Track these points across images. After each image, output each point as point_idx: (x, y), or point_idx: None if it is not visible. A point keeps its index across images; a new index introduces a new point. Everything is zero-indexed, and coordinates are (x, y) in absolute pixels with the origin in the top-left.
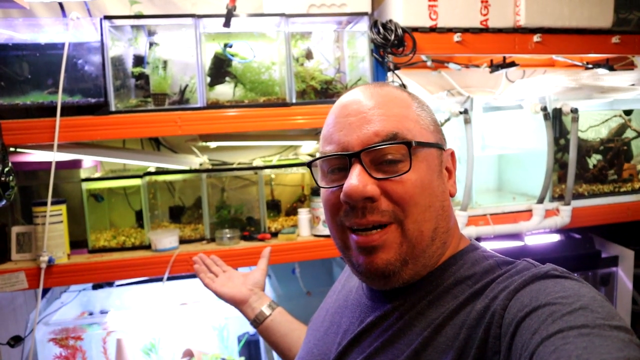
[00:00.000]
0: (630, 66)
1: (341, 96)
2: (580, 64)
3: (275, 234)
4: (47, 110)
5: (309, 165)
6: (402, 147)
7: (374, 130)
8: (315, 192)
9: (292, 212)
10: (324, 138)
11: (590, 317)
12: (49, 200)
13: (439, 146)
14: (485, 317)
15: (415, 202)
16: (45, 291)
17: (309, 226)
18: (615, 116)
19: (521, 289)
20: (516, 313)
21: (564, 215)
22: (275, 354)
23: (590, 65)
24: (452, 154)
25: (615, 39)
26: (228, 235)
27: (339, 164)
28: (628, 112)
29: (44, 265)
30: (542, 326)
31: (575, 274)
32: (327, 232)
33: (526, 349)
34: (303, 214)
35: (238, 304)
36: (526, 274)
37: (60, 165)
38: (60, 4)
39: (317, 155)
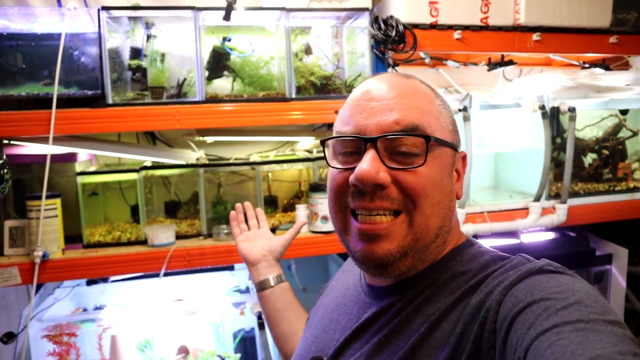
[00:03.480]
0: (626, 66)
1: (365, 81)
2: (576, 63)
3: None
4: (42, 102)
5: (322, 142)
6: (420, 140)
7: (394, 119)
8: (314, 188)
9: (289, 208)
10: (342, 118)
11: (584, 311)
12: (44, 194)
13: (454, 147)
14: (480, 312)
15: (426, 195)
16: (38, 287)
17: (307, 222)
18: (611, 116)
19: (516, 284)
20: (511, 308)
21: (560, 213)
22: (272, 351)
23: (586, 65)
24: (464, 158)
25: (612, 39)
26: (225, 231)
27: (354, 146)
28: (624, 112)
29: (38, 260)
30: (537, 321)
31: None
32: (325, 228)
33: (521, 344)
34: (301, 210)
35: (248, 264)
36: (521, 269)
37: (55, 158)
38: None
39: (335, 133)
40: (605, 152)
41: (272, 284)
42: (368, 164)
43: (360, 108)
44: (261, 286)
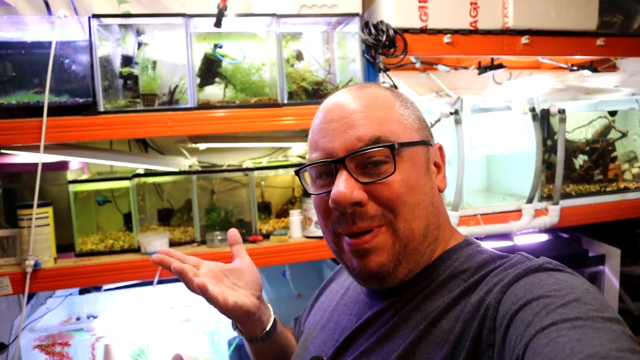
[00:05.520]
0: (613, 68)
1: (324, 100)
2: (565, 65)
3: (266, 236)
4: (33, 111)
5: (296, 173)
6: (386, 150)
7: (356, 136)
8: (307, 193)
9: (283, 213)
10: (310, 144)
11: (583, 309)
12: (35, 202)
13: (425, 143)
14: (479, 310)
15: (403, 202)
16: (30, 296)
17: (301, 227)
18: (600, 117)
19: (515, 282)
20: (510, 306)
21: (552, 214)
22: None
23: (574, 67)
24: (440, 148)
25: (599, 42)
26: (219, 238)
27: (326, 169)
28: (613, 113)
29: (29, 270)
30: (536, 319)
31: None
32: (319, 233)
33: (520, 341)
34: (295, 216)
35: (244, 318)
36: (520, 267)
37: (46, 167)
38: (46, 2)
39: (307, 160)
40: (605, 153)
41: (275, 328)
42: (342, 185)
43: (323, 132)
44: (265, 336)
